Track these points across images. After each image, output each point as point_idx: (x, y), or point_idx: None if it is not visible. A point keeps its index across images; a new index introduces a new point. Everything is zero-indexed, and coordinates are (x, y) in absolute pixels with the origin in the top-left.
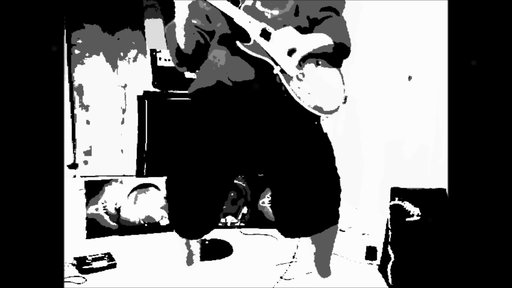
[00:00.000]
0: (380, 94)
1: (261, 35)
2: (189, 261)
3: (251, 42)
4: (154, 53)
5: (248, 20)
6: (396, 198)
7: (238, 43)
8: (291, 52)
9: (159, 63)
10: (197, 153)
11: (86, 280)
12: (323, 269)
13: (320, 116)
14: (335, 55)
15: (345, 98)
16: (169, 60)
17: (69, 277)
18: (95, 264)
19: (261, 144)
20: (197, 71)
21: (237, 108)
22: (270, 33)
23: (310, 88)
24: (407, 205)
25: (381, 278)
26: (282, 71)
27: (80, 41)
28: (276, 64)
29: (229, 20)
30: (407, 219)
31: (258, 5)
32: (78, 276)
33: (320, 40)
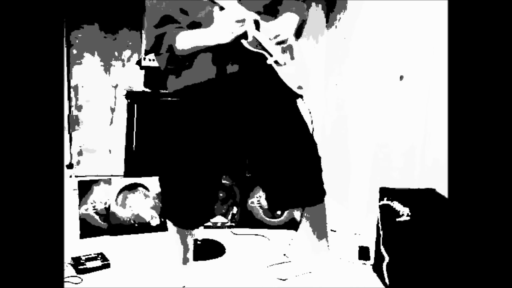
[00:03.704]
0: (368, 94)
1: (256, 28)
2: (185, 260)
3: (250, 38)
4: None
5: (245, 12)
6: (385, 198)
7: (243, 41)
8: (281, 42)
9: (144, 63)
10: (191, 145)
11: (82, 280)
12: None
13: (296, 97)
14: (300, 29)
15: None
16: (153, 60)
17: (67, 277)
18: (89, 264)
19: (248, 129)
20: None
21: (226, 100)
22: (259, 22)
23: (293, 70)
24: (396, 205)
25: (375, 277)
26: (276, 61)
27: (77, 41)
28: (271, 55)
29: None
30: (398, 219)
31: None
32: (75, 276)
33: (293, 21)
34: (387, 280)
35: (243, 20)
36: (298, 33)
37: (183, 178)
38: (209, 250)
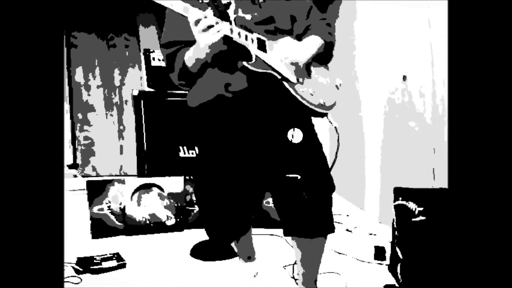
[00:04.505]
0: (381, 94)
1: (258, 47)
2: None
3: (254, 59)
4: (147, 53)
5: (245, 34)
6: (400, 198)
7: (245, 63)
8: (294, 64)
9: (153, 63)
10: (213, 164)
11: (81, 280)
12: (308, 282)
13: (317, 115)
14: (327, 53)
15: (337, 87)
16: (163, 60)
17: (68, 276)
18: (105, 264)
19: (263, 147)
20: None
21: (239, 116)
22: (264, 41)
23: (311, 89)
24: (412, 205)
25: (390, 277)
26: (286, 79)
27: (78, 42)
28: (280, 74)
29: (225, 37)
30: (413, 219)
31: (241, 13)
32: (75, 276)
33: (314, 44)
34: (400, 280)
35: (209, 27)
36: (325, 56)
37: (212, 198)
38: (222, 251)
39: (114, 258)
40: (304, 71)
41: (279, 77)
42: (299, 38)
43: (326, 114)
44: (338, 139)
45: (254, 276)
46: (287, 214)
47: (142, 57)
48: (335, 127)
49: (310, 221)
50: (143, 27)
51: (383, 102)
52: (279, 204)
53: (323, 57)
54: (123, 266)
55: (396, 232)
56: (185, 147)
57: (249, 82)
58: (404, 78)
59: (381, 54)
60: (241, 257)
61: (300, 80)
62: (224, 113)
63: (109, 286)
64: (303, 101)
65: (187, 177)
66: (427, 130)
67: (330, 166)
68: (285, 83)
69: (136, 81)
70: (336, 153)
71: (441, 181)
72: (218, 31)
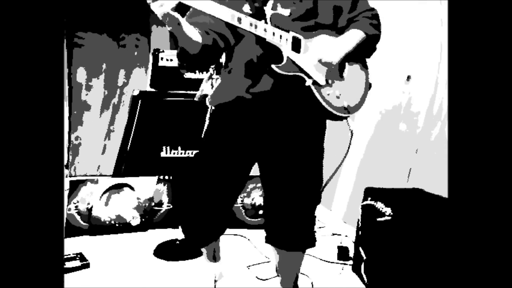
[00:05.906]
0: (380, 94)
1: (292, 48)
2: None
3: (285, 61)
4: (156, 53)
5: (279, 34)
6: (369, 198)
7: (273, 66)
8: (326, 65)
9: (161, 63)
10: (214, 163)
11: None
12: (286, 282)
13: (337, 118)
14: (368, 47)
15: (370, 85)
16: (171, 60)
17: None
18: (68, 264)
19: (272, 150)
20: (216, 81)
21: (257, 119)
22: (299, 41)
23: (338, 91)
24: (379, 205)
25: (354, 277)
26: (314, 82)
27: (83, 42)
28: (309, 77)
29: (258, 38)
30: (378, 219)
31: (280, 8)
32: None
33: (352, 40)
34: (365, 280)
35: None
36: (366, 49)
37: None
38: (187, 250)
39: (77, 258)
40: (336, 71)
41: (307, 79)
42: (341, 31)
43: (346, 118)
44: (350, 143)
45: (219, 277)
46: (270, 223)
47: (151, 57)
48: (351, 131)
49: (290, 235)
50: (156, 26)
51: (381, 102)
52: (266, 210)
53: (363, 51)
54: (87, 266)
55: (360, 232)
56: (168, 147)
57: (272, 84)
58: (408, 78)
59: (386, 53)
60: (207, 258)
61: (329, 81)
62: (239, 114)
63: (73, 286)
64: (325, 105)
65: (161, 177)
66: (417, 132)
67: (333, 171)
68: (312, 87)
69: (140, 81)
70: (344, 158)
71: (416, 182)
72: (161, 5)
